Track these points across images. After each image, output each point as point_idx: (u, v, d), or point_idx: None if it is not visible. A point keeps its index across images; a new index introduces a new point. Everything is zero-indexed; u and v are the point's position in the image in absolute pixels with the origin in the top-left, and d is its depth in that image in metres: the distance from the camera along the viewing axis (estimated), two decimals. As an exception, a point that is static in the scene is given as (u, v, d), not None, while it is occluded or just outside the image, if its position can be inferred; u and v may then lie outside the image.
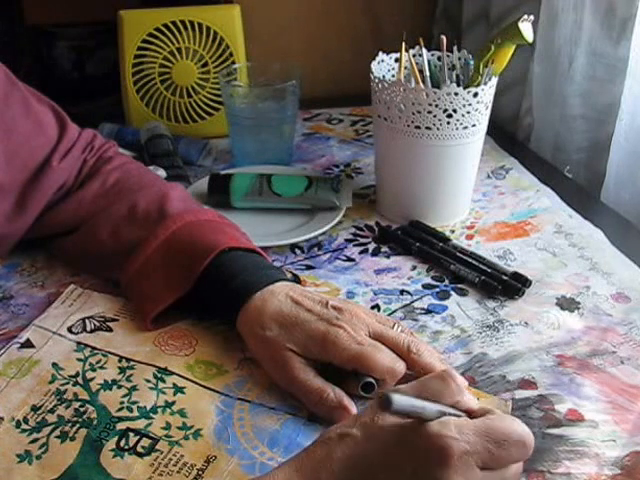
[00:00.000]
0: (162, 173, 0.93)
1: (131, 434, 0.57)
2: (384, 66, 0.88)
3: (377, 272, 0.79)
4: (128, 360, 0.64)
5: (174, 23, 1.05)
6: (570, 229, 0.86)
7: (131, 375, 0.63)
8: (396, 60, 0.87)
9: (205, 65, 1.08)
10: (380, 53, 0.87)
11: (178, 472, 0.54)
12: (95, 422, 0.58)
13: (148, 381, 0.62)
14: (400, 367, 0.59)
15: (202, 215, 0.74)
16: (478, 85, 0.80)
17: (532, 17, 0.78)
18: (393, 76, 0.87)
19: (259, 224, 0.86)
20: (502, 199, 0.93)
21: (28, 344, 0.66)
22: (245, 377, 0.63)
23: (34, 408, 0.59)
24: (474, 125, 0.81)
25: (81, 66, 1.40)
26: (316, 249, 0.83)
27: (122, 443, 0.56)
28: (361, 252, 0.83)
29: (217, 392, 0.61)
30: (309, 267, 0.80)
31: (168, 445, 0.56)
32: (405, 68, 0.85)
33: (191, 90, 1.09)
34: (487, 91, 0.80)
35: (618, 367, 0.64)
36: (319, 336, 0.60)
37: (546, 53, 1.00)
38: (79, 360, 0.64)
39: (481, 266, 0.78)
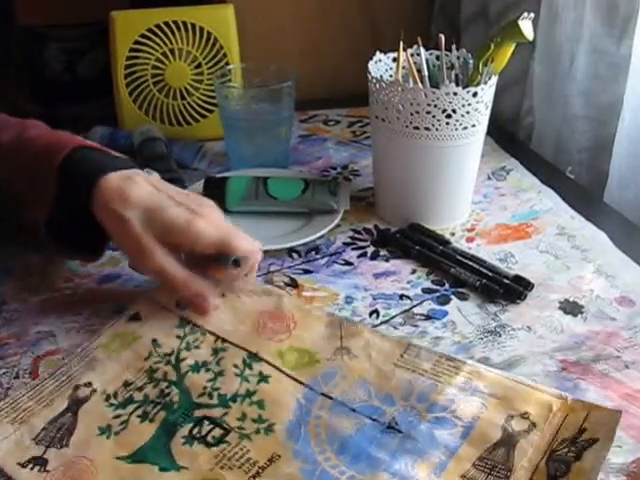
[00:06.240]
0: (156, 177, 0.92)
1: (206, 422, 0.58)
2: (381, 66, 0.87)
3: (376, 276, 0.78)
4: (223, 341, 0.65)
5: (167, 24, 1.04)
6: (573, 231, 0.85)
7: (222, 359, 0.63)
8: (394, 60, 0.87)
9: (199, 66, 1.07)
10: (377, 53, 0.87)
11: (239, 467, 0.54)
12: (175, 406, 0.59)
13: (236, 366, 0.63)
14: (258, 246, 0.68)
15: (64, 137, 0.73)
16: (478, 84, 0.79)
17: (532, 15, 0.77)
18: (391, 76, 0.87)
19: (255, 228, 0.84)
20: (503, 200, 0.92)
21: (136, 317, 0.67)
22: (335, 369, 0.62)
23: (126, 384, 0.61)
24: (474, 125, 0.80)
25: (72, 68, 1.39)
26: (314, 253, 0.82)
27: (195, 431, 0.57)
28: (359, 256, 0.82)
29: (302, 384, 0.61)
30: (307, 271, 0.79)
31: (238, 438, 0.56)
32: (403, 68, 0.85)
33: (185, 92, 1.07)
34: (487, 91, 0.79)
35: (623, 372, 0.63)
36: (182, 221, 0.62)
37: (547, 51, 1.00)
38: (178, 337, 0.65)
39: (482, 269, 0.77)
